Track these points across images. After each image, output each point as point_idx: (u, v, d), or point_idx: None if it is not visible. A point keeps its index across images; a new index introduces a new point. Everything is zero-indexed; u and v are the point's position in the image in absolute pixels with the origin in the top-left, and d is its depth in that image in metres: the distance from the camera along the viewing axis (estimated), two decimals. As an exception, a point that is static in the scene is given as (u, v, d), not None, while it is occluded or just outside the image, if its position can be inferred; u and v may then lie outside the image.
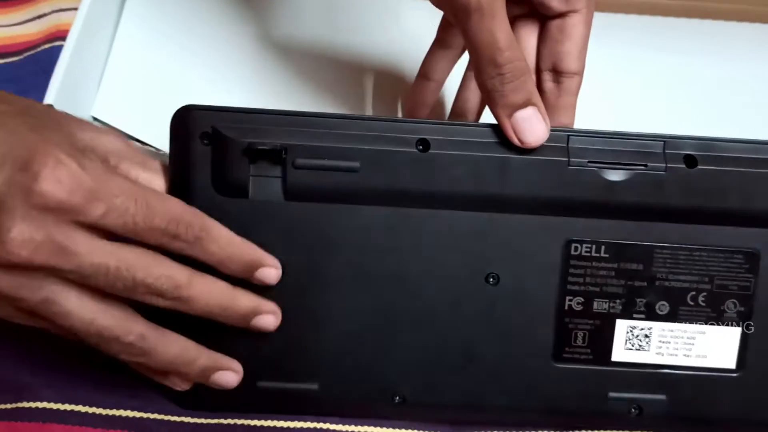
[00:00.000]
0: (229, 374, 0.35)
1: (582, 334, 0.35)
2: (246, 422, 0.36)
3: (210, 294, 0.33)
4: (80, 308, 0.31)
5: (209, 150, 0.34)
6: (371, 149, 0.34)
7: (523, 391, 0.36)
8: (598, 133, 0.35)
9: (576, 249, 0.35)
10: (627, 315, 0.35)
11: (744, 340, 0.35)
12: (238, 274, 0.34)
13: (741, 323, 0.35)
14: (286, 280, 0.35)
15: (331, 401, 0.36)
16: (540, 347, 0.35)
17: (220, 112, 0.34)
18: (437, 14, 0.39)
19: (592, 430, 0.37)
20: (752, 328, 0.35)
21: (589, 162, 0.34)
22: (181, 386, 0.35)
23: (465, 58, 0.42)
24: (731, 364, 0.36)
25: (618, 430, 0.36)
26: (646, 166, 0.34)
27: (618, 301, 0.35)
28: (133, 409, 0.36)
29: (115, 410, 0.36)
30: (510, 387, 0.36)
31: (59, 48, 0.43)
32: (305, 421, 0.36)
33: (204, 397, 0.35)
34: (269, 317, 0.35)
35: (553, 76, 0.38)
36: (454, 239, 0.35)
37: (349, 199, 0.34)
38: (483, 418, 0.37)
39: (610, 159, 0.34)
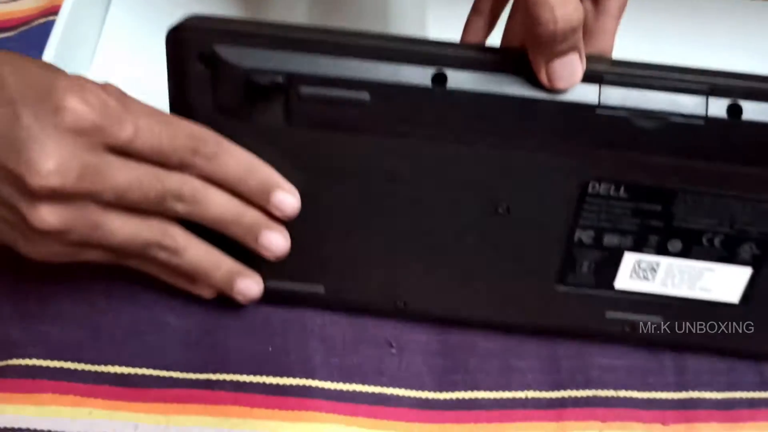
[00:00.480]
0: (251, 282, 0.36)
1: (588, 264, 0.35)
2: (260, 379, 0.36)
3: (223, 200, 0.33)
4: (123, 226, 0.32)
5: (208, 72, 0.32)
6: (382, 82, 0.31)
7: (522, 308, 0.36)
8: (634, 75, 0.31)
9: (594, 187, 0.33)
10: (637, 249, 0.34)
11: (754, 278, 0.34)
12: (256, 195, 0.34)
13: (753, 264, 0.34)
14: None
15: (336, 302, 0.37)
16: (544, 271, 0.35)
17: (218, 32, 0.32)
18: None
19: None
20: (763, 270, 0.34)
21: (620, 108, 0.31)
22: (207, 293, 0.36)
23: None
24: (735, 298, 0.35)
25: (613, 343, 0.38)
26: (683, 115, 0.31)
27: (630, 236, 0.34)
28: (121, 365, 0.36)
29: (104, 366, 0.36)
30: (509, 303, 0.36)
31: (53, 23, 0.43)
32: (293, 377, 0.36)
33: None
34: (278, 237, 0.34)
35: None
36: (466, 172, 0.33)
37: (356, 130, 0.32)
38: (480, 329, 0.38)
39: (643, 105, 0.31)
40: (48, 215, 0.30)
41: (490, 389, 0.37)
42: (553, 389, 0.37)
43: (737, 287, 0.35)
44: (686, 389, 0.38)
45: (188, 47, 0.32)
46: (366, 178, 0.34)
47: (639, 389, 0.38)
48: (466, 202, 0.34)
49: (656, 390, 0.38)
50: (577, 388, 0.37)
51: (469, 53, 0.31)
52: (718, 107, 0.30)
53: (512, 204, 0.34)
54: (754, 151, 0.31)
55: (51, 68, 0.32)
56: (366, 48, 0.31)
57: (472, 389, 0.37)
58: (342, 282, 0.37)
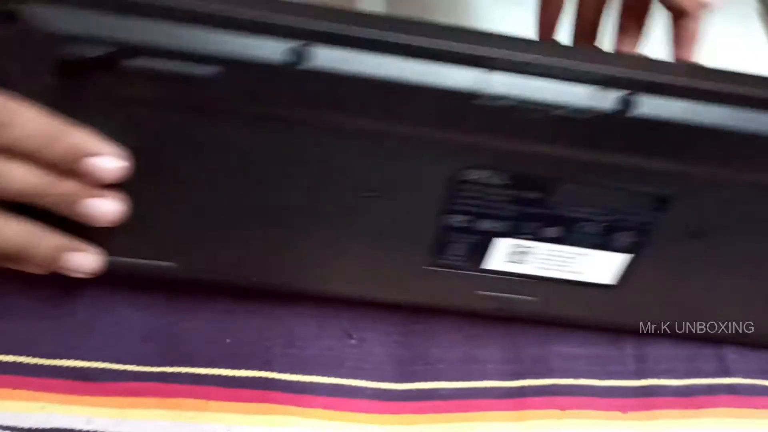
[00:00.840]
0: (81, 257, 0.32)
1: (460, 247, 0.34)
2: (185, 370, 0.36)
3: (21, 172, 0.29)
4: None
5: (11, 34, 0.26)
6: (231, 57, 0.26)
7: (393, 286, 0.36)
8: (523, 62, 0.28)
9: (471, 174, 0.31)
10: (511, 235, 0.33)
11: (629, 263, 0.34)
12: (64, 162, 0.29)
13: (631, 250, 0.34)
14: (138, 169, 0.30)
15: (190, 279, 0.35)
16: (415, 252, 0.34)
17: None
18: None
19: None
20: (640, 256, 0.34)
21: (502, 98, 0.28)
22: (37, 270, 0.33)
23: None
24: (608, 281, 0.35)
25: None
26: (573, 107, 0.28)
27: (506, 222, 0.33)
28: (76, 359, 0.35)
29: (58, 360, 0.35)
30: (379, 280, 0.35)
31: None
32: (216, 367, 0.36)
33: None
34: (100, 204, 0.30)
35: None
36: (329, 156, 0.30)
37: (202, 109, 0.28)
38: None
39: (528, 95, 0.28)
40: None
41: (451, 379, 0.37)
42: (513, 378, 0.37)
43: (612, 270, 0.34)
44: (646, 377, 0.38)
45: None
46: (217, 157, 0.30)
47: (599, 377, 0.38)
48: (329, 184, 0.31)
49: (616, 378, 0.38)
50: (538, 377, 0.37)
51: (338, 26, 0.27)
52: (608, 100, 0.28)
53: (381, 188, 0.31)
54: (642, 144, 0.29)
55: None
56: (215, 16, 0.26)
57: (432, 380, 0.37)
58: (197, 260, 0.34)
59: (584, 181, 0.31)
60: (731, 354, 0.39)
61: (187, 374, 0.35)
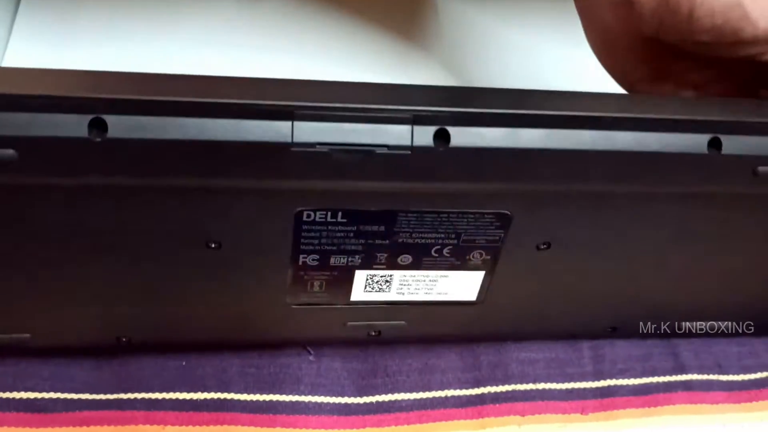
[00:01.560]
0: None
1: (319, 283, 0.34)
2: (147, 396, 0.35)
3: None
4: None
5: None
6: (28, 137, 0.25)
7: (260, 329, 0.36)
8: (330, 108, 0.27)
9: (309, 216, 0.30)
10: (366, 266, 0.33)
11: (486, 280, 0.34)
12: None
13: (485, 268, 0.34)
14: None
15: (48, 347, 0.35)
16: (275, 293, 0.33)
17: None
18: None
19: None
20: (495, 272, 0.34)
21: (317, 144, 0.27)
22: None
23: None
24: (472, 297, 0.35)
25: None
26: (387, 146, 0.28)
27: (357, 256, 0.33)
28: (28, 390, 0.35)
29: (9, 393, 0.34)
30: (244, 323, 0.35)
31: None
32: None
33: None
34: None
35: None
36: (164, 216, 0.29)
37: (12, 189, 0.27)
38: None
39: (341, 139, 0.27)
40: None
41: (410, 390, 0.37)
42: (473, 387, 0.37)
43: (473, 288, 0.35)
44: (604, 377, 0.38)
45: None
46: (46, 229, 0.29)
47: (558, 381, 0.38)
48: (169, 239, 0.30)
49: (575, 380, 0.38)
50: (497, 383, 0.38)
51: (127, 98, 0.26)
52: (425, 135, 0.28)
53: (223, 239, 0.30)
54: (465, 171, 0.29)
55: None
56: (8, 97, 0.25)
57: (392, 392, 0.37)
58: (52, 327, 0.34)
59: (421, 210, 0.31)
60: (685, 351, 0.40)
61: (142, 400, 0.35)
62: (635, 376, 0.39)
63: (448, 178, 0.29)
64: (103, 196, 0.28)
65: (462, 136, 0.28)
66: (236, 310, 0.34)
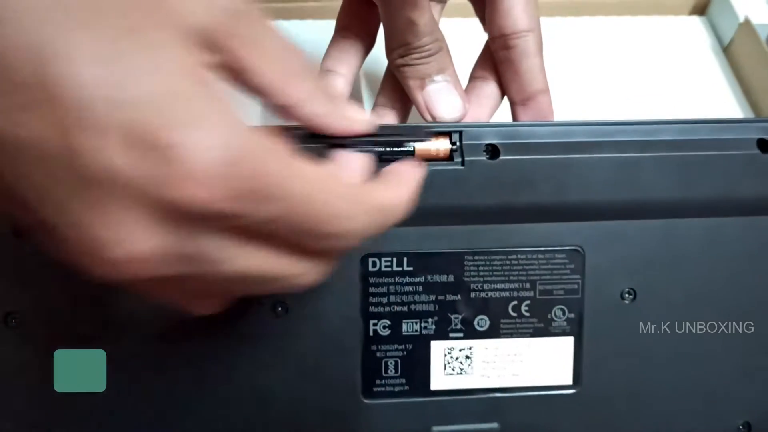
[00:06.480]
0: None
1: (393, 363, 0.31)
2: None
3: None
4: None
5: None
6: None
7: (328, 428, 0.32)
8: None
9: (374, 264, 0.30)
10: (442, 335, 0.31)
11: (578, 350, 0.31)
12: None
13: (572, 332, 0.31)
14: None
15: None
16: (346, 382, 0.31)
17: None
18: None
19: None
20: (584, 336, 0.31)
21: None
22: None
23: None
24: (568, 379, 0.31)
25: None
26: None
27: (430, 320, 0.31)
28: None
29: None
30: (315, 429, 0.31)
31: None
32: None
33: None
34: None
35: (504, 43, 0.33)
36: None
37: None
38: None
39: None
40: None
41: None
42: None
43: (566, 364, 0.31)
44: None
45: None
46: None
47: None
48: (236, 310, 0.28)
49: None
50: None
51: None
52: (474, 149, 0.30)
53: (288, 300, 0.30)
54: (522, 193, 0.30)
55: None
56: None
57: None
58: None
59: (488, 251, 0.31)
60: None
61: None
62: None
63: (504, 199, 0.30)
64: None
65: (511, 149, 0.30)
66: (304, 409, 0.31)
